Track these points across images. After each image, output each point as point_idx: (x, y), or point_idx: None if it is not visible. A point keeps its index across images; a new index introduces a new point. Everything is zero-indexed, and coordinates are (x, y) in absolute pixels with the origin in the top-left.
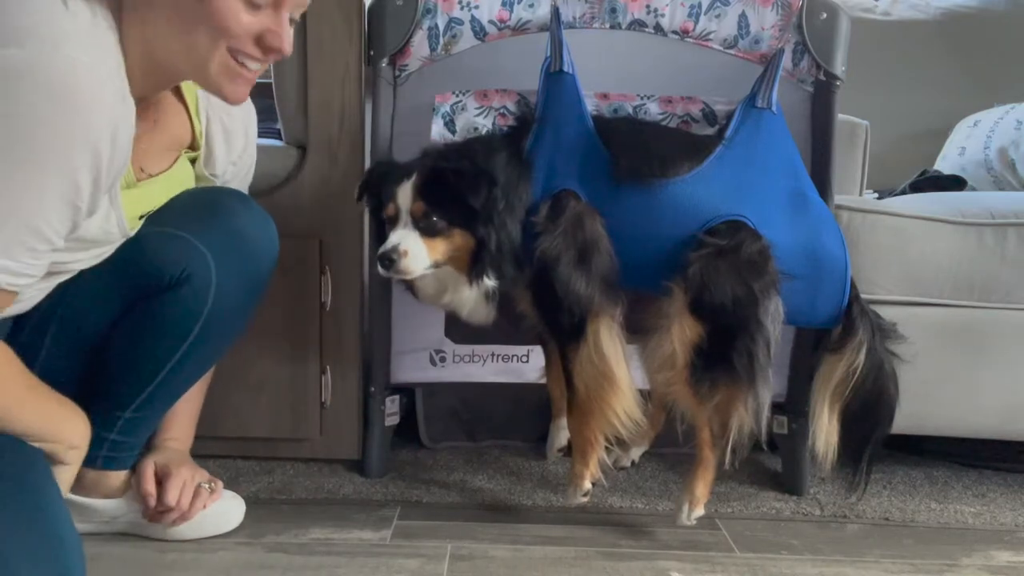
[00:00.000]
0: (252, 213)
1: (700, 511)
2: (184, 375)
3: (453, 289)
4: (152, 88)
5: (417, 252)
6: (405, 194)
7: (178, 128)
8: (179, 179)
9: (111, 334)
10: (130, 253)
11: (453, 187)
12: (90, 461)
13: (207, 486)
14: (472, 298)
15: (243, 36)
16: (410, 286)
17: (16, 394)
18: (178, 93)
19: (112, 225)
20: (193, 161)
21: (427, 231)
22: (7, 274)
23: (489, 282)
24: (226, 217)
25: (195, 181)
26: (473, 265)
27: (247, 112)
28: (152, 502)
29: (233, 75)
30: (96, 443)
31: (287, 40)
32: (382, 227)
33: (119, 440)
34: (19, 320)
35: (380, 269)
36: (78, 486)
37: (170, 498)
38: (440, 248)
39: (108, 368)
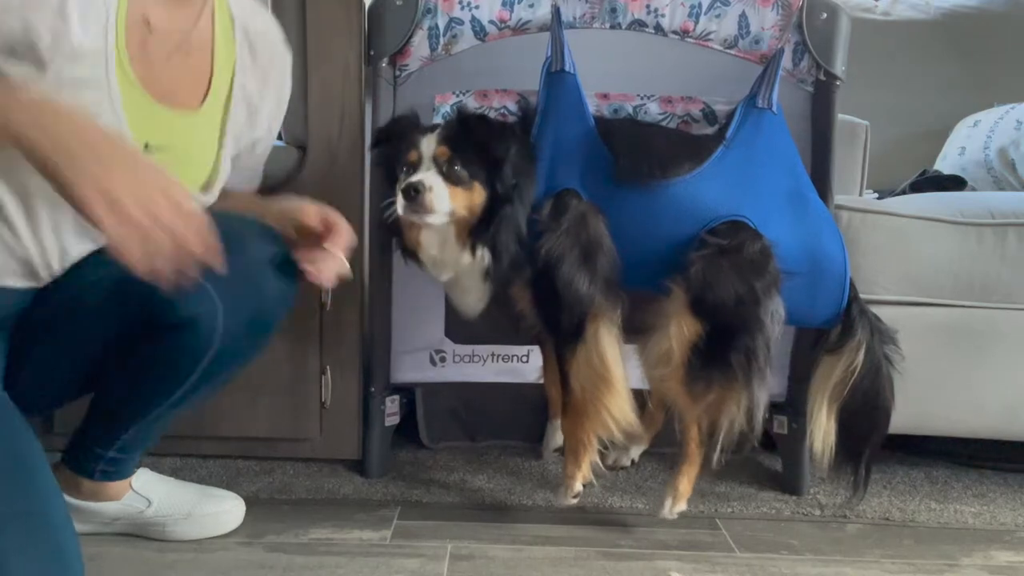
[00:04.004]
0: (272, 252)
1: (682, 506)
2: (185, 406)
3: (454, 253)
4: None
5: (440, 192)
6: (430, 141)
7: (203, 81)
8: (204, 125)
9: (113, 364)
10: (140, 283)
11: (479, 135)
12: (87, 474)
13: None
14: (469, 271)
15: None
16: (413, 249)
17: None
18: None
19: (105, 113)
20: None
21: (448, 177)
22: None
23: (486, 255)
24: (242, 257)
25: (219, 138)
26: (477, 229)
27: (281, 86)
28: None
29: None
30: (93, 458)
31: None
32: (390, 182)
33: (117, 457)
34: (28, 316)
35: (401, 203)
36: (76, 492)
37: (333, 217)
38: (459, 197)
39: (108, 395)
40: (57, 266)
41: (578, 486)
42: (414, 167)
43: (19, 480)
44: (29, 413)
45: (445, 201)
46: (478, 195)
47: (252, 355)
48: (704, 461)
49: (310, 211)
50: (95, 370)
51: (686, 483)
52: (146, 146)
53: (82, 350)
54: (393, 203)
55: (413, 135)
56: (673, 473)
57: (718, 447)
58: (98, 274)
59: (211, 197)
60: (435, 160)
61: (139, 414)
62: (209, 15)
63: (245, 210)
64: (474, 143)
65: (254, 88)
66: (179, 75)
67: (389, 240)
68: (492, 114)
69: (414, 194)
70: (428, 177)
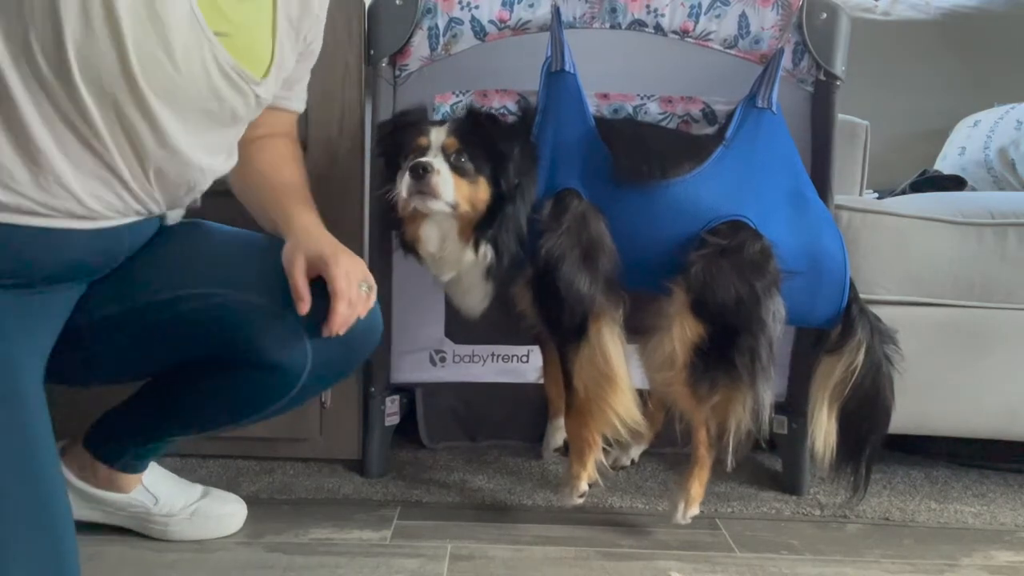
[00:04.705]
0: (371, 320)
1: (695, 510)
2: (238, 427)
3: (455, 252)
4: None
5: (447, 178)
6: (440, 131)
7: None
8: (256, 14)
9: (186, 379)
10: (239, 318)
11: (488, 133)
12: (108, 461)
13: (364, 288)
14: (471, 270)
15: None
16: (413, 243)
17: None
18: None
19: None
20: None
21: (455, 168)
22: None
23: (489, 252)
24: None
25: (272, 25)
26: (480, 226)
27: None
28: (305, 308)
29: None
30: (122, 450)
31: None
32: (391, 172)
33: (144, 452)
34: (102, 303)
35: (407, 182)
36: (91, 478)
37: (340, 285)
38: (463, 189)
39: (168, 405)
40: (141, 181)
41: (584, 486)
42: (422, 152)
43: (24, 479)
44: (77, 384)
45: (450, 189)
46: (482, 190)
47: (322, 392)
48: (715, 463)
49: (338, 281)
50: (160, 369)
51: (698, 487)
52: (216, 33)
53: (159, 353)
54: (392, 189)
55: (423, 124)
56: (684, 477)
57: (729, 449)
58: (200, 290)
59: (271, 85)
60: (443, 149)
61: (195, 428)
62: None
63: (280, 193)
64: (482, 140)
65: None
66: None
67: (389, 240)
68: None
69: (422, 172)
70: (436, 161)
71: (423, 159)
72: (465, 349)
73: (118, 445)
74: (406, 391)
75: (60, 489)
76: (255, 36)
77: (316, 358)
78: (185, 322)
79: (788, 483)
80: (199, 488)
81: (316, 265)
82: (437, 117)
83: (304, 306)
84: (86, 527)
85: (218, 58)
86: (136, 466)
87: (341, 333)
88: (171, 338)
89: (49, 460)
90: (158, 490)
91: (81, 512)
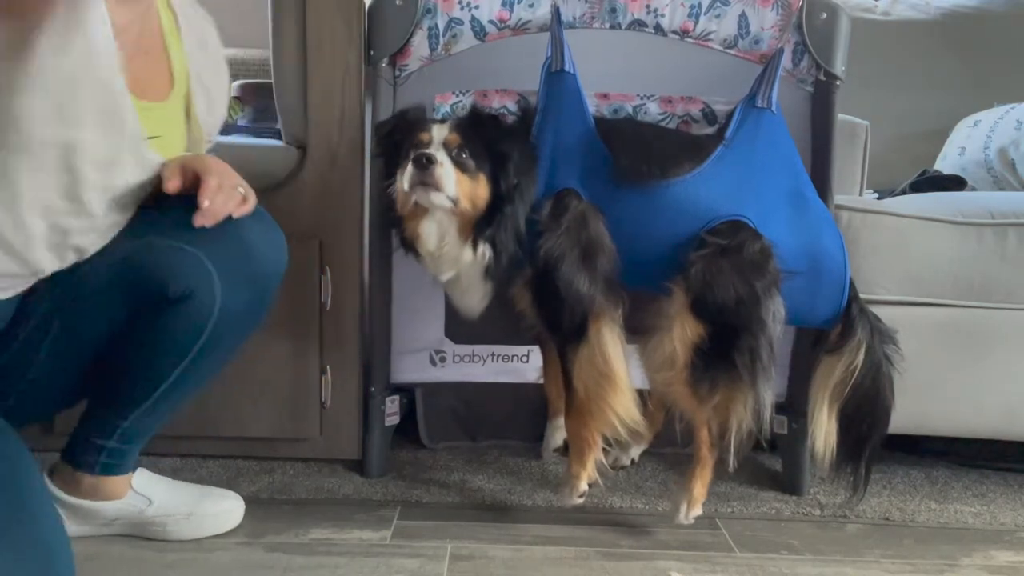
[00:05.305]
0: (262, 226)
1: (698, 510)
2: (186, 386)
3: (454, 250)
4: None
5: (449, 170)
6: (442, 128)
7: (165, 73)
8: (175, 114)
9: (113, 344)
10: (135, 262)
11: (489, 132)
12: (88, 467)
13: (241, 190)
14: (470, 269)
15: None
16: (412, 240)
17: None
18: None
19: (109, 98)
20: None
21: (457, 163)
22: None
23: (487, 251)
24: (234, 230)
25: (187, 123)
26: (479, 225)
27: (225, 74)
28: (172, 186)
29: None
30: (94, 450)
31: None
32: (391, 171)
33: (117, 448)
34: (19, 317)
35: (410, 172)
36: (76, 491)
37: (210, 169)
38: (464, 185)
39: (109, 378)
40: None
41: (584, 486)
42: (424, 147)
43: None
44: (27, 421)
45: (452, 182)
46: (483, 188)
47: (252, 323)
48: (717, 464)
49: (208, 165)
50: (93, 368)
51: (700, 487)
52: (149, 137)
53: (80, 346)
54: (394, 183)
55: (425, 122)
56: (686, 477)
57: (731, 450)
58: (91, 263)
59: None
60: (445, 145)
61: (141, 396)
62: (155, 13)
63: None
64: (483, 139)
65: (209, 77)
66: (145, 69)
67: (389, 240)
68: None
69: (426, 163)
70: (440, 155)
71: (425, 151)
72: (465, 349)
73: (90, 447)
74: (406, 391)
75: (40, 485)
76: (175, 136)
77: (223, 282)
78: (102, 288)
79: (788, 483)
80: (194, 487)
81: (191, 166)
82: (437, 117)
83: (171, 184)
84: None
85: (147, 159)
86: (114, 467)
87: (209, 209)
88: (85, 315)
89: (26, 465)
90: (151, 493)
91: (74, 528)
